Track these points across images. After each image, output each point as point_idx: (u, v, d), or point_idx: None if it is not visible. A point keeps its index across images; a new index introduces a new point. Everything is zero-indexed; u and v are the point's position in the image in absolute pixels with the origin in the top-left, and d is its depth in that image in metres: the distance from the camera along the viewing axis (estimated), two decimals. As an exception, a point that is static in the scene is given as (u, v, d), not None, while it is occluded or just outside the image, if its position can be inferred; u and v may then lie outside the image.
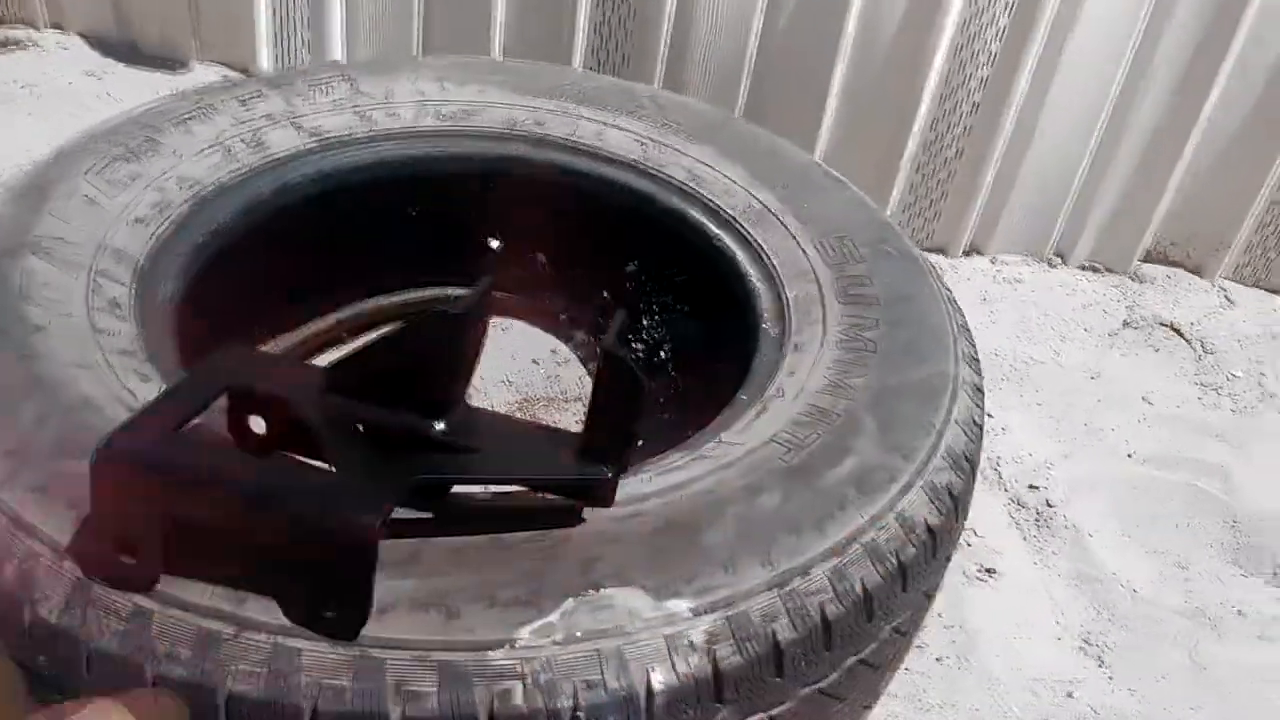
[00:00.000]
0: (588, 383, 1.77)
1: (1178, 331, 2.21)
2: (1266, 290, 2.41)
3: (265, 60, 2.48)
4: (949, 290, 1.38)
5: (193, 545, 0.79)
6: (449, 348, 0.87)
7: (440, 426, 0.88)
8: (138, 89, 2.49)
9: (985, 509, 1.70)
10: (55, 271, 1.11)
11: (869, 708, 1.14)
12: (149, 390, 1.01)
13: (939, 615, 1.50)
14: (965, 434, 1.13)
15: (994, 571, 1.61)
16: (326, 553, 0.75)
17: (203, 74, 2.55)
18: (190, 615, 0.80)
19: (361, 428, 0.86)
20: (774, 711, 0.91)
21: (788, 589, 0.90)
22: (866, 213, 1.45)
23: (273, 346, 1.60)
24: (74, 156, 1.28)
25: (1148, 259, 2.42)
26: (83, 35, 2.64)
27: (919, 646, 1.45)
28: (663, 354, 1.60)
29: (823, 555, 0.93)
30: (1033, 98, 2.16)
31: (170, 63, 2.58)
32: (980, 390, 1.23)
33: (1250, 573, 1.70)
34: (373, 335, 1.72)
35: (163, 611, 0.80)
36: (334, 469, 0.80)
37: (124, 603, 0.81)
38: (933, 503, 1.03)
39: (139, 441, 0.78)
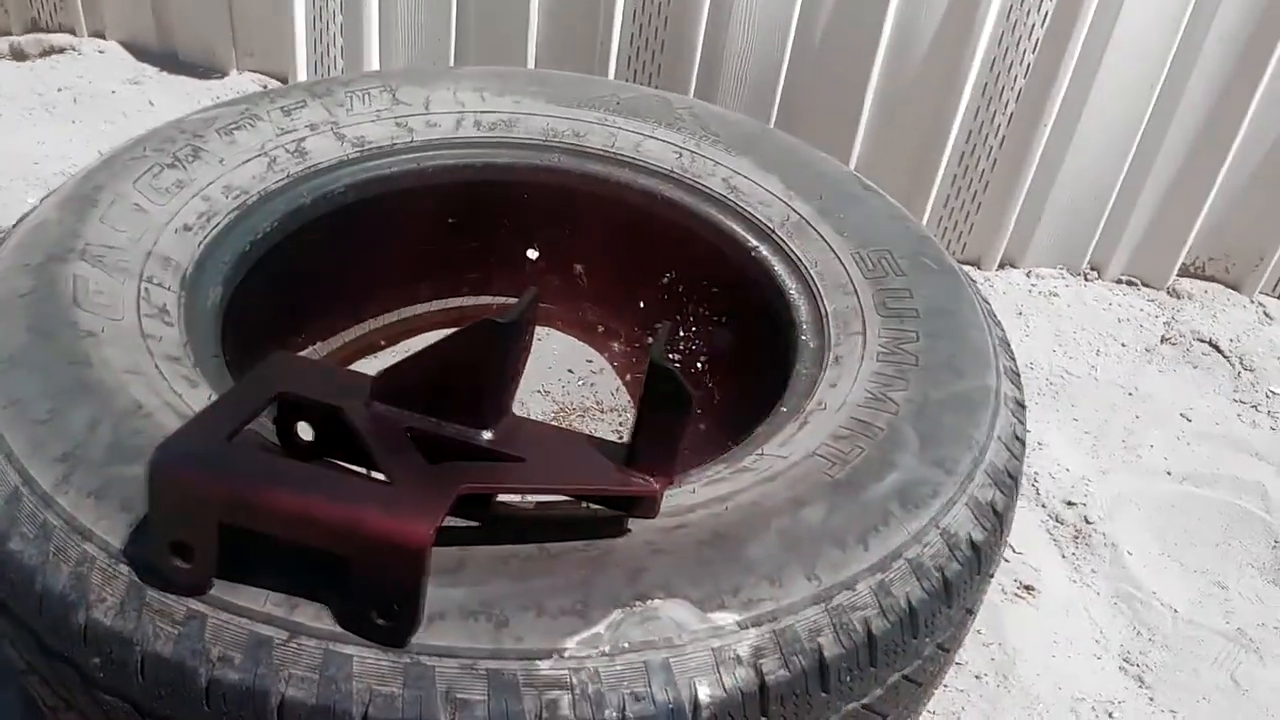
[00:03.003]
0: (623, 392, 1.77)
1: (1216, 348, 2.19)
2: (1306, 307, 2.38)
3: (302, 69, 2.50)
4: (988, 304, 1.38)
5: (246, 550, 0.80)
6: (496, 357, 0.88)
7: (487, 436, 0.89)
8: (177, 96, 2.51)
9: (1023, 525, 1.69)
10: (106, 278, 1.12)
11: (909, 724, 1.14)
12: (197, 395, 1.02)
13: (978, 632, 1.49)
14: (1008, 449, 1.12)
15: (1032, 589, 1.59)
16: (379, 559, 0.76)
17: (241, 82, 2.58)
18: (244, 620, 0.80)
19: (409, 436, 0.87)
20: (817, 726, 0.91)
21: (833, 603, 0.90)
22: (905, 225, 1.45)
23: (312, 352, 1.62)
24: (122, 164, 1.30)
25: (1185, 274, 2.40)
26: (123, 43, 2.67)
27: (958, 663, 1.44)
28: (699, 365, 1.60)
29: (868, 570, 0.93)
30: (1068, 110, 2.15)
31: (209, 71, 2.61)
32: (1021, 405, 1.22)
33: (1292, 593, 1.68)
34: (418, 342, 1.75)
35: (216, 616, 0.81)
36: (386, 476, 0.81)
37: (178, 606, 0.81)
38: (976, 519, 1.03)
39: (195, 447, 0.79)
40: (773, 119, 2.26)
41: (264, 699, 0.79)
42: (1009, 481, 1.10)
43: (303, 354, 1.60)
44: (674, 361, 1.47)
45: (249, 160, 1.37)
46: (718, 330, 1.59)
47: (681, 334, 1.62)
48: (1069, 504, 1.75)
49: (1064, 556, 1.67)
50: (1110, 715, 1.44)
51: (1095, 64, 2.10)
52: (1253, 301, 2.36)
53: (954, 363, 1.19)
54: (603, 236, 1.61)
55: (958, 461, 1.06)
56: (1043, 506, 1.75)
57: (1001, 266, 2.36)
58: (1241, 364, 2.16)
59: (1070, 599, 1.60)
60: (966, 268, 2.26)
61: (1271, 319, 2.32)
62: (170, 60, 2.64)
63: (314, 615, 0.80)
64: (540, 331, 1.80)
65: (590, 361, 1.80)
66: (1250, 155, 2.22)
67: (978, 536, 1.02)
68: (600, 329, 1.79)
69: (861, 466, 1.02)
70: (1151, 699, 1.47)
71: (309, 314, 1.60)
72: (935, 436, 1.08)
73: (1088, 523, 1.72)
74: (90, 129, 2.36)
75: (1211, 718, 1.47)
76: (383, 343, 1.73)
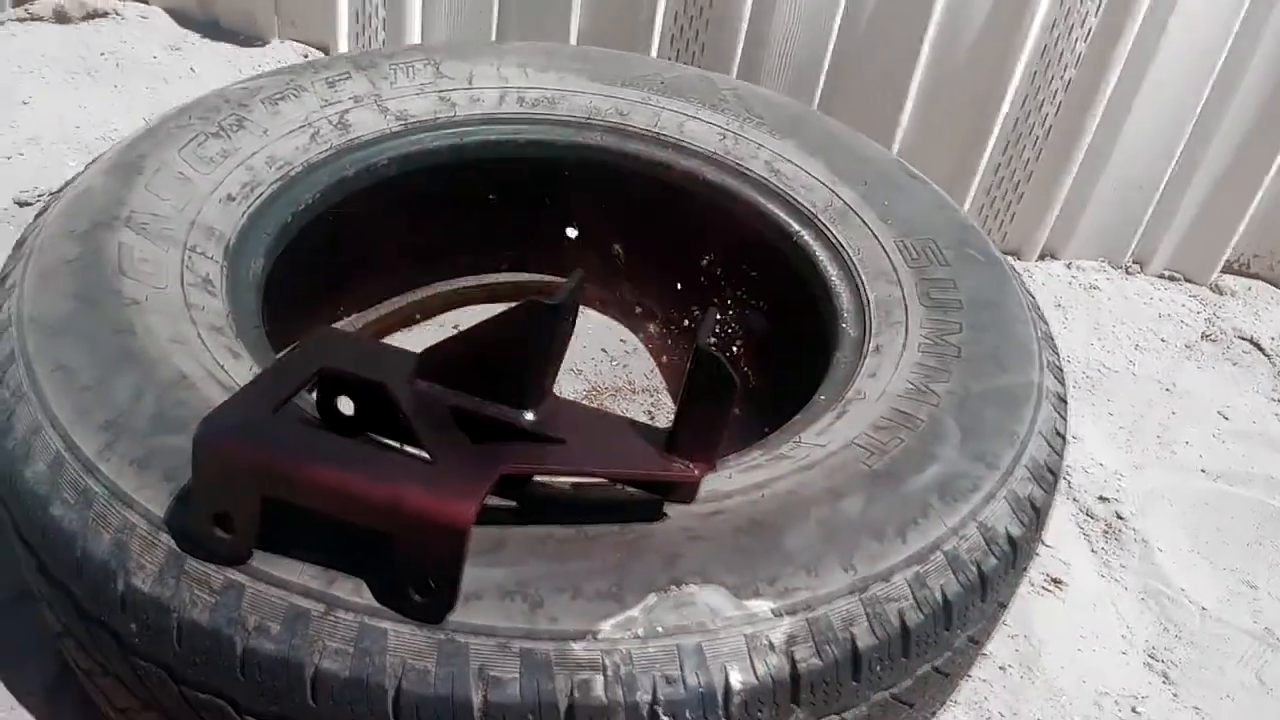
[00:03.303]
0: (656, 374, 1.77)
1: (1257, 346, 2.16)
2: (1350, 306, 2.35)
3: (344, 39, 2.50)
4: (1033, 297, 1.37)
5: (286, 523, 0.81)
6: (541, 338, 0.88)
7: (529, 416, 0.89)
8: (218, 64, 2.52)
9: (1054, 518, 1.67)
10: (151, 246, 1.13)
11: (935, 713, 1.14)
12: (239, 367, 1.03)
13: (1005, 624, 1.48)
14: (1048, 444, 1.12)
15: (1061, 582, 1.58)
16: (420, 537, 0.76)
17: (282, 51, 2.58)
18: (281, 591, 0.81)
19: (452, 414, 0.87)
20: (846, 715, 0.91)
21: (868, 594, 0.90)
22: (949, 214, 1.43)
23: (349, 324, 1.63)
24: (167, 132, 1.31)
25: (1229, 270, 2.37)
26: (165, 9, 2.68)
27: (984, 654, 1.43)
28: (735, 349, 1.59)
29: (905, 562, 0.92)
30: (1118, 101, 2.12)
31: (250, 39, 2.61)
32: (1063, 400, 1.21)
33: (1324, 596, 1.66)
34: (454, 316, 1.75)
35: (254, 586, 0.82)
36: (429, 454, 0.81)
37: (217, 575, 0.82)
38: (1015, 514, 1.02)
39: (240, 420, 0.80)
40: (816, 101, 2.23)
41: (299, 670, 0.80)
42: (1049, 477, 1.09)
43: (339, 325, 1.61)
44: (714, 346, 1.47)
45: (293, 131, 1.37)
46: (756, 315, 1.58)
47: (719, 317, 1.61)
48: (1101, 499, 1.74)
49: (1094, 551, 1.66)
50: (1134, 710, 1.43)
51: (1148, 56, 2.06)
52: (1297, 300, 2.33)
53: (997, 356, 1.18)
54: (643, 217, 1.61)
55: (999, 456, 1.05)
56: (1075, 500, 1.73)
57: (1042, 257, 2.34)
58: (1283, 363, 2.13)
59: (1098, 594, 1.58)
60: (1007, 258, 2.24)
61: (1315, 318, 2.28)
62: (212, 27, 2.64)
63: (351, 589, 0.81)
64: (575, 309, 1.79)
65: (624, 341, 1.80)
66: (1301, 151, 2.19)
67: (1015, 531, 1.01)
68: (636, 309, 1.79)
69: (901, 458, 1.02)
70: (1176, 695, 1.46)
71: (348, 286, 1.61)
72: (977, 430, 1.07)
73: (1119, 518, 1.71)
74: (132, 95, 2.37)
75: (1236, 716, 1.46)
76: (418, 316, 1.74)
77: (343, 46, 2.51)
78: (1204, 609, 1.60)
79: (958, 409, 1.09)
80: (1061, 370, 1.25)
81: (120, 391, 0.95)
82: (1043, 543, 1.62)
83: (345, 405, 0.91)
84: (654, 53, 2.28)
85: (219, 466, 0.78)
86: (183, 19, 2.66)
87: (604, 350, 1.79)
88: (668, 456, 0.89)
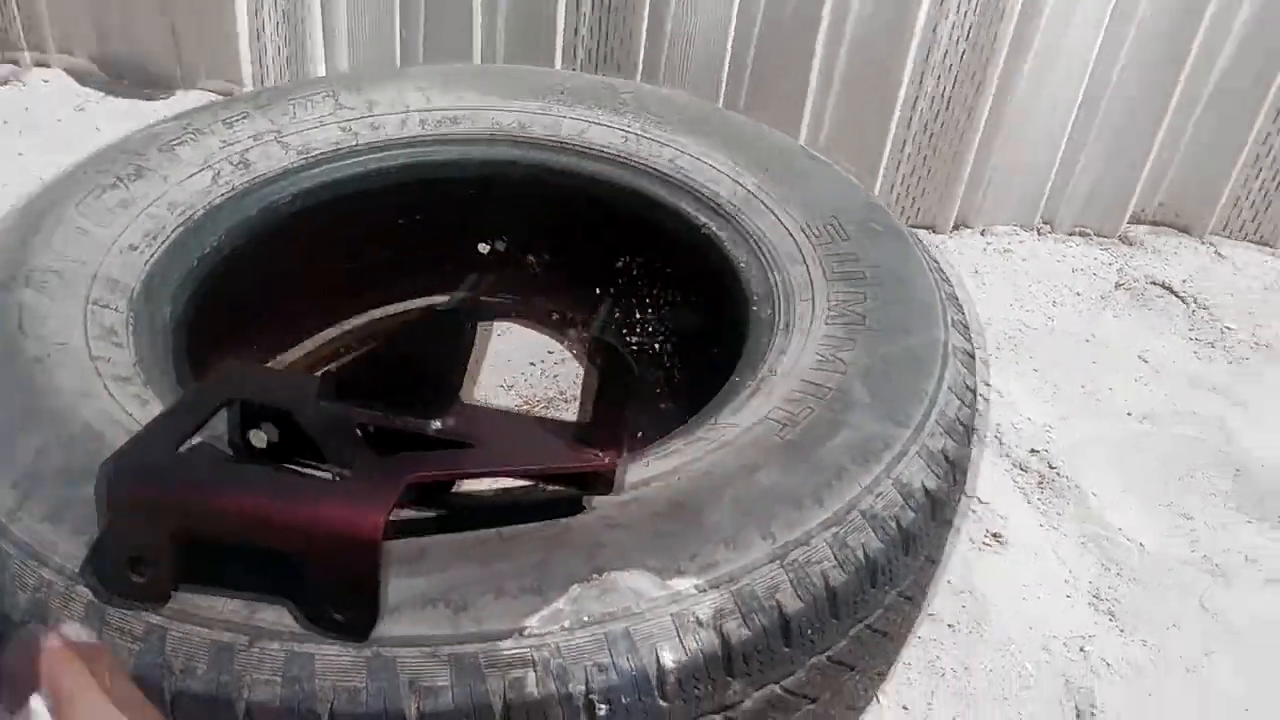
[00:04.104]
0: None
1: (1170, 289, 2.23)
2: (1254, 243, 2.42)
3: (249, 79, 2.50)
4: (935, 262, 1.40)
5: (202, 558, 0.81)
6: (441, 346, 0.89)
7: (436, 425, 0.90)
8: (125, 119, 2.50)
9: (988, 477, 1.71)
10: (50, 303, 1.13)
11: (882, 675, 1.16)
12: (148, 414, 1.02)
13: (949, 583, 1.51)
14: (959, 399, 1.14)
15: (1000, 537, 1.62)
16: (333, 553, 0.77)
17: (188, 100, 2.56)
18: (203, 629, 0.81)
19: (360, 431, 0.88)
20: (786, 683, 0.93)
21: (789, 559, 0.91)
22: (852, 192, 1.46)
23: (275, 364, 1.61)
24: (63, 188, 1.30)
25: (1136, 220, 2.43)
26: (66, 70, 2.66)
27: (931, 615, 1.46)
28: (658, 346, 1.61)
29: (822, 525, 0.94)
30: (1011, 66, 2.17)
31: (156, 91, 2.60)
32: (972, 356, 1.24)
33: (1255, 519, 1.71)
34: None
35: (177, 627, 0.81)
36: (337, 473, 0.82)
37: (138, 622, 0.82)
38: (929, 468, 1.05)
39: (144, 458, 0.80)
40: (721, 100, 2.27)
41: (229, 705, 0.79)
42: (961, 430, 1.12)
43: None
44: (621, 338, 1.47)
45: (193, 175, 1.37)
46: (674, 309, 1.60)
47: (639, 316, 1.63)
48: (1033, 452, 1.78)
49: (1030, 503, 1.69)
50: (1082, 650, 1.46)
51: (1036, 17, 2.11)
52: (1204, 243, 2.40)
53: (902, 320, 1.21)
54: (553, 226, 1.62)
55: (909, 414, 1.07)
56: (1007, 457, 1.77)
57: (957, 228, 2.38)
58: (1195, 303, 2.19)
59: (1038, 543, 1.62)
60: (922, 232, 2.28)
61: (1223, 257, 2.35)
62: (115, 84, 2.63)
63: (274, 618, 0.81)
64: (500, 326, 1.80)
65: (552, 353, 1.81)
66: (1193, 99, 2.26)
67: (931, 485, 1.04)
68: (558, 319, 1.80)
69: (812, 426, 1.04)
70: (1122, 631, 1.50)
71: (267, 325, 1.60)
72: (885, 392, 1.09)
73: (1051, 468, 1.75)
74: (40, 160, 2.34)
75: (1182, 644, 1.49)
76: (343, 351, 1.73)
77: (250, 87, 2.50)
78: (1142, 545, 1.64)
79: (865, 374, 1.11)
80: (968, 328, 1.28)
81: (26, 450, 0.94)
82: (979, 500, 1.66)
83: (256, 437, 0.92)
84: (558, 66, 2.30)
85: (127, 507, 0.79)
86: (84, 78, 2.65)
87: (532, 363, 1.80)
88: (579, 448, 0.90)
